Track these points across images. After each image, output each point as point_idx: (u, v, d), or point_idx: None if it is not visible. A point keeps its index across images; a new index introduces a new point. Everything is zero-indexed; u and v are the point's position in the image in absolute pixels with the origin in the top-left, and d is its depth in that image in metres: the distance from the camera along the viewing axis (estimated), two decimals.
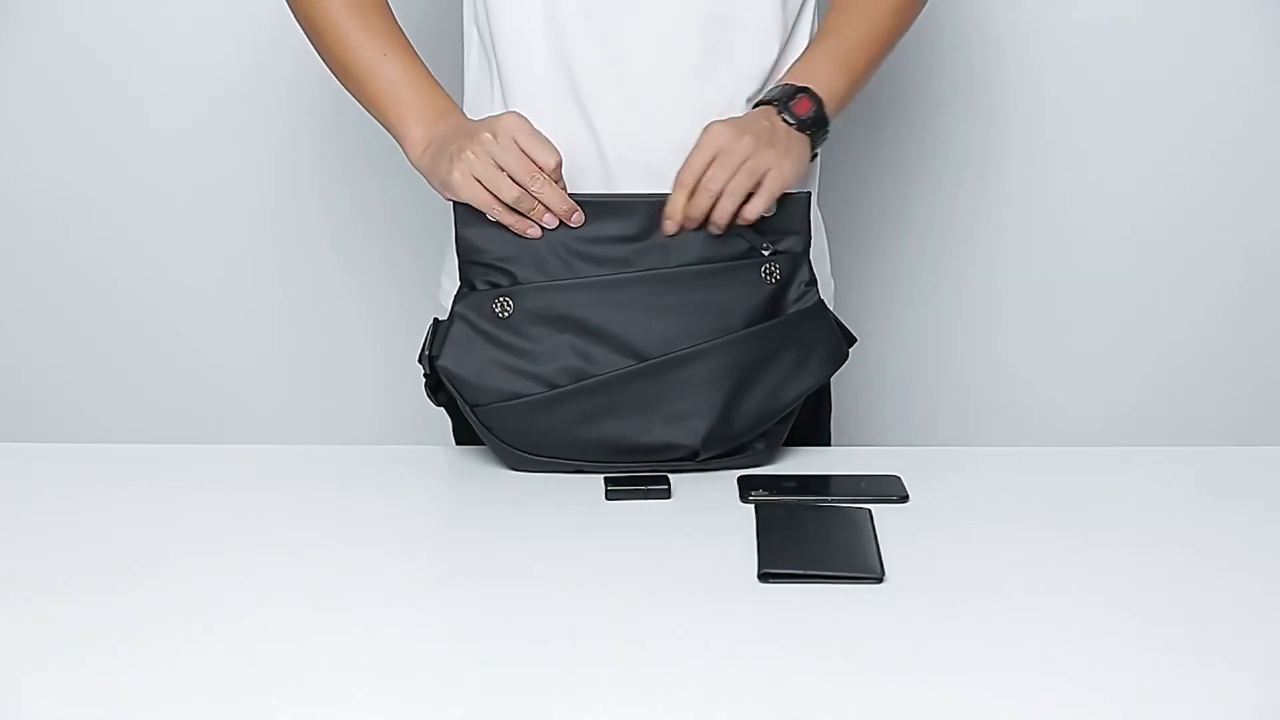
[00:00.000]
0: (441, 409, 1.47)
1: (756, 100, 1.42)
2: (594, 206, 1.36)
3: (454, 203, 1.39)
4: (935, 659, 1.01)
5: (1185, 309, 2.21)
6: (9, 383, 2.25)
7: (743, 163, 1.34)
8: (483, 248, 1.38)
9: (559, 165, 1.34)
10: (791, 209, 1.39)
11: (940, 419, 2.26)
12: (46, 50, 2.11)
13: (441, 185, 1.38)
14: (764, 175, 1.35)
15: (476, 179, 1.34)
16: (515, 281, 1.37)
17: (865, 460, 1.40)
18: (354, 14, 1.46)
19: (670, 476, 1.34)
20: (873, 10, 1.48)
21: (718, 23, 1.42)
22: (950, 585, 1.14)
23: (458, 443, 1.53)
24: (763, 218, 1.37)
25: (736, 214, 1.35)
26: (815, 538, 1.20)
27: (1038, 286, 2.21)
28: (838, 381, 1.51)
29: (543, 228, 1.36)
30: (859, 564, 1.15)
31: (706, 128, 1.36)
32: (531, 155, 1.33)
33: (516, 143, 1.33)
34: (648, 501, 1.31)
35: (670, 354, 1.36)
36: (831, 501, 1.29)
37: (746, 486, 1.32)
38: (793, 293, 1.39)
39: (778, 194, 1.36)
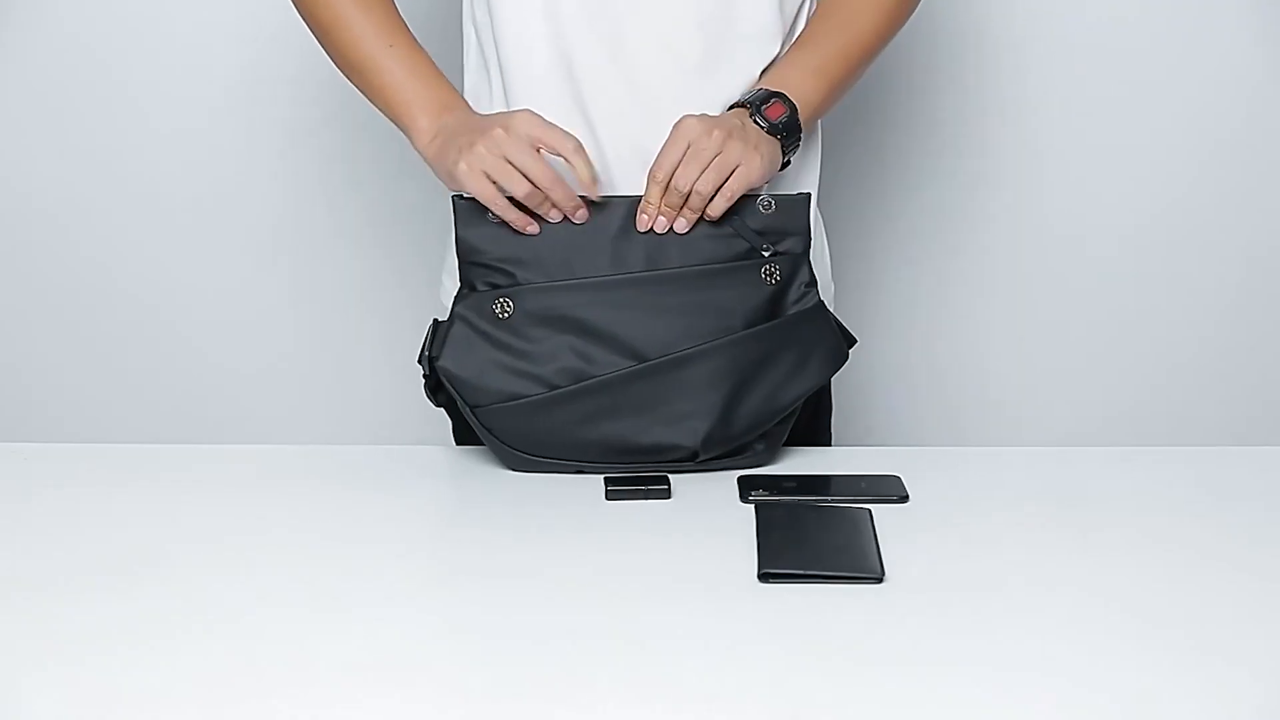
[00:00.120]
0: (441, 409, 1.47)
1: (731, 103, 1.42)
2: (593, 206, 1.37)
3: (454, 203, 1.39)
4: (935, 659, 1.01)
5: (1185, 309, 2.22)
6: (9, 383, 2.25)
7: (713, 158, 1.34)
8: (482, 248, 1.38)
9: (578, 146, 1.35)
10: (791, 210, 1.39)
11: (940, 419, 2.26)
12: (46, 50, 2.11)
13: (447, 177, 1.38)
14: (731, 172, 1.35)
15: (484, 173, 1.34)
16: (515, 282, 1.37)
17: (865, 460, 1.40)
18: (358, 6, 1.46)
19: (670, 476, 1.34)
20: (854, 20, 1.48)
21: (717, 24, 1.42)
22: (950, 585, 1.14)
23: (458, 443, 1.53)
24: (763, 218, 1.38)
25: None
26: (815, 538, 1.20)
27: (1037, 286, 2.21)
28: (837, 382, 1.51)
29: (544, 224, 1.36)
30: (859, 564, 1.15)
31: (678, 121, 1.37)
32: (550, 143, 1.34)
33: (532, 136, 1.34)
34: (648, 501, 1.31)
35: (670, 355, 1.36)
36: (831, 501, 1.29)
37: (746, 486, 1.32)
38: (793, 293, 1.39)
39: (740, 192, 1.36)
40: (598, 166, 1.41)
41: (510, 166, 1.33)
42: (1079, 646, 1.03)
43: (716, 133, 1.35)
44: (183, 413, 2.24)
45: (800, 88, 1.42)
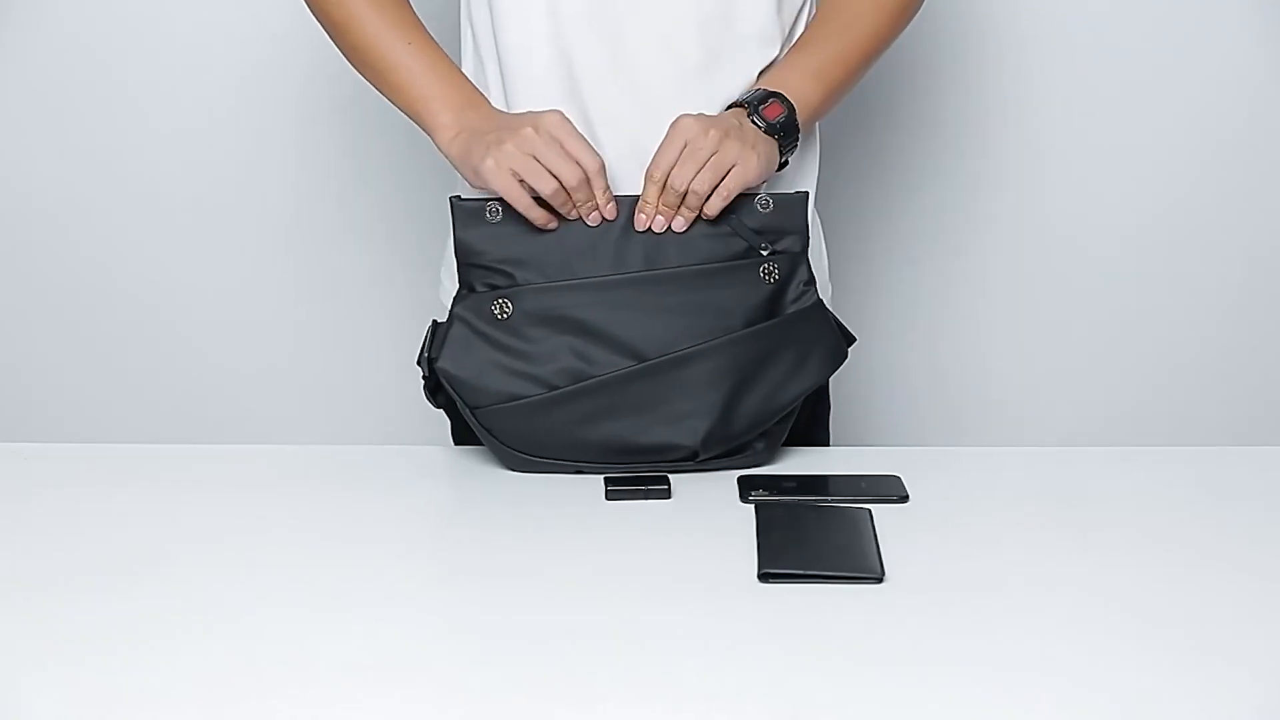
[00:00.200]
0: (441, 410, 1.47)
1: (729, 103, 1.42)
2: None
3: (451, 205, 1.39)
4: (935, 659, 1.01)
5: (1185, 309, 2.21)
6: (9, 383, 2.25)
7: (710, 157, 1.34)
8: (480, 250, 1.38)
9: (603, 167, 1.35)
10: (789, 209, 1.39)
11: (939, 419, 2.26)
12: (46, 50, 2.11)
13: (472, 173, 1.38)
14: (728, 171, 1.35)
15: (512, 170, 1.34)
16: (514, 283, 1.37)
17: (865, 460, 1.40)
18: (373, 4, 1.45)
19: (670, 476, 1.34)
20: (854, 24, 1.48)
21: (716, 25, 1.42)
22: (950, 585, 1.14)
23: (456, 444, 1.53)
24: (761, 217, 1.38)
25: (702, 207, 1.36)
26: (815, 538, 1.20)
27: (1037, 286, 2.21)
28: (837, 383, 1.51)
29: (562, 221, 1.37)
30: (859, 564, 1.15)
31: (675, 120, 1.37)
32: (576, 156, 1.34)
33: (559, 141, 1.34)
34: (648, 501, 1.31)
35: (669, 354, 1.36)
36: (831, 501, 1.29)
37: (746, 486, 1.32)
38: (791, 292, 1.39)
39: (737, 191, 1.36)
40: None
41: (539, 165, 1.33)
42: (1079, 646, 1.03)
43: (713, 132, 1.35)
44: (183, 413, 2.24)
45: (799, 89, 1.42)
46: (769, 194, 1.39)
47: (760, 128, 1.39)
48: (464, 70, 1.51)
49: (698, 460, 1.36)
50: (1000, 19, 2.12)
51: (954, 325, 2.24)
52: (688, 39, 1.42)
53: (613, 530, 1.25)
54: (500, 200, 1.37)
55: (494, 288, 1.37)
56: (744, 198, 1.38)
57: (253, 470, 1.43)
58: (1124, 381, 2.24)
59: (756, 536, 1.20)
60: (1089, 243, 2.19)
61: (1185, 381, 2.24)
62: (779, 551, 1.17)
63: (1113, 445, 1.62)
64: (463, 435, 1.48)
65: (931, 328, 2.24)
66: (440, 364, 1.37)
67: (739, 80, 1.43)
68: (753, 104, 1.40)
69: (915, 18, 1.55)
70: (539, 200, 1.36)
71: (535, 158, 1.34)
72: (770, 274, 1.38)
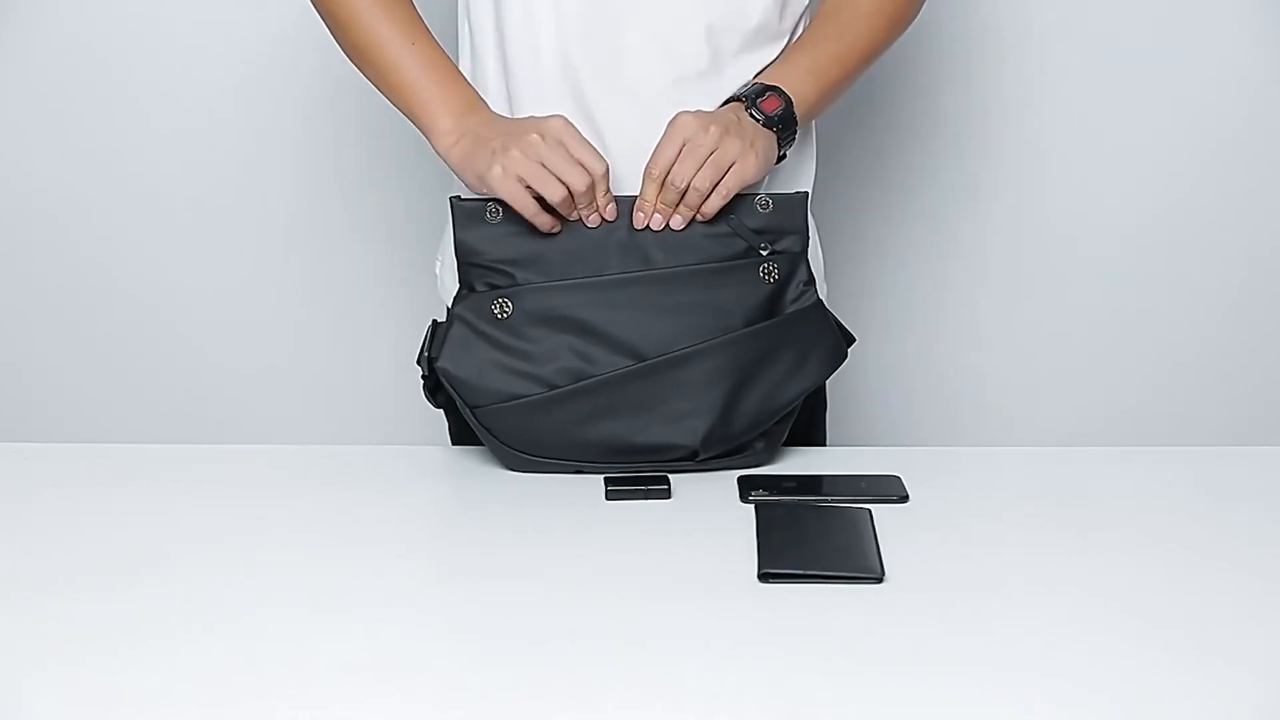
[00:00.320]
0: (440, 410, 1.47)
1: (726, 98, 1.42)
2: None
3: (451, 205, 1.39)
4: (935, 659, 1.01)
5: (1185, 309, 2.21)
6: (9, 383, 2.25)
7: (709, 154, 1.34)
8: (480, 250, 1.38)
9: (607, 171, 1.35)
10: (789, 209, 1.39)
11: (938, 419, 2.26)
12: (46, 50, 2.11)
13: (477, 180, 1.37)
14: (728, 169, 1.35)
15: (519, 177, 1.34)
16: (514, 283, 1.37)
17: (865, 460, 1.40)
18: (377, 2, 1.44)
19: (670, 476, 1.34)
20: (853, 25, 1.47)
21: (720, 29, 1.42)
22: (950, 585, 1.14)
23: (454, 445, 1.53)
24: (760, 217, 1.38)
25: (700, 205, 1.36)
26: (815, 538, 1.20)
27: (1037, 286, 2.21)
28: (835, 384, 1.51)
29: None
30: (859, 564, 1.15)
31: (674, 118, 1.37)
32: (582, 161, 1.34)
33: (565, 147, 1.34)
34: (648, 501, 1.31)
35: (669, 354, 1.36)
36: (831, 501, 1.29)
37: (746, 486, 1.32)
38: (791, 292, 1.39)
39: (737, 189, 1.36)
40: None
41: (546, 171, 1.33)
42: (1079, 646, 1.03)
43: (713, 129, 1.35)
44: (183, 413, 2.24)
45: (795, 85, 1.41)
46: (769, 194, 1.39)
47: (758, 121, 1.39)
48: (460, 69, 1.51)
49: (697, 460, 1.36)
50: (1000, 19, 2.12)
51: (953, 326, 2.24)
52: (689, 42, 1.42)
53: (613, 530, 1.25)
54: (500, 201, 1.37)
55: (494, 287, 1.37)
56: (743, 197, 1.38)
57: (253, 470, 1.43)
58: (1124, 381, 2.24)
59: (756, 536, 1.20)
60: (1089, 243, 2.19)
61: (1185, 381, 2.24)
62: (779, 551, 1.17)
63: (1113, 445, 1.62)
64: (461, 436, 1.48)
65: (930, 328, 2.24)
66: (440, 363, 1.37)
67: (739, 83, 1.43)
68: (750, 97, 1.40)
69: (914, 19, 1.55)
70: (542, 203, 1.35)
71: (543, 164, 1.33)
72: (770, 274, 1.38)
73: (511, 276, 1.37)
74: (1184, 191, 2.17)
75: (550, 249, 1.37)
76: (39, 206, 2.18)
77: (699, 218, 1.37)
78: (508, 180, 1.34)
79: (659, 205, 1.36)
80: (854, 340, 1.44)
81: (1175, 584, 1.14)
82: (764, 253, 1.38)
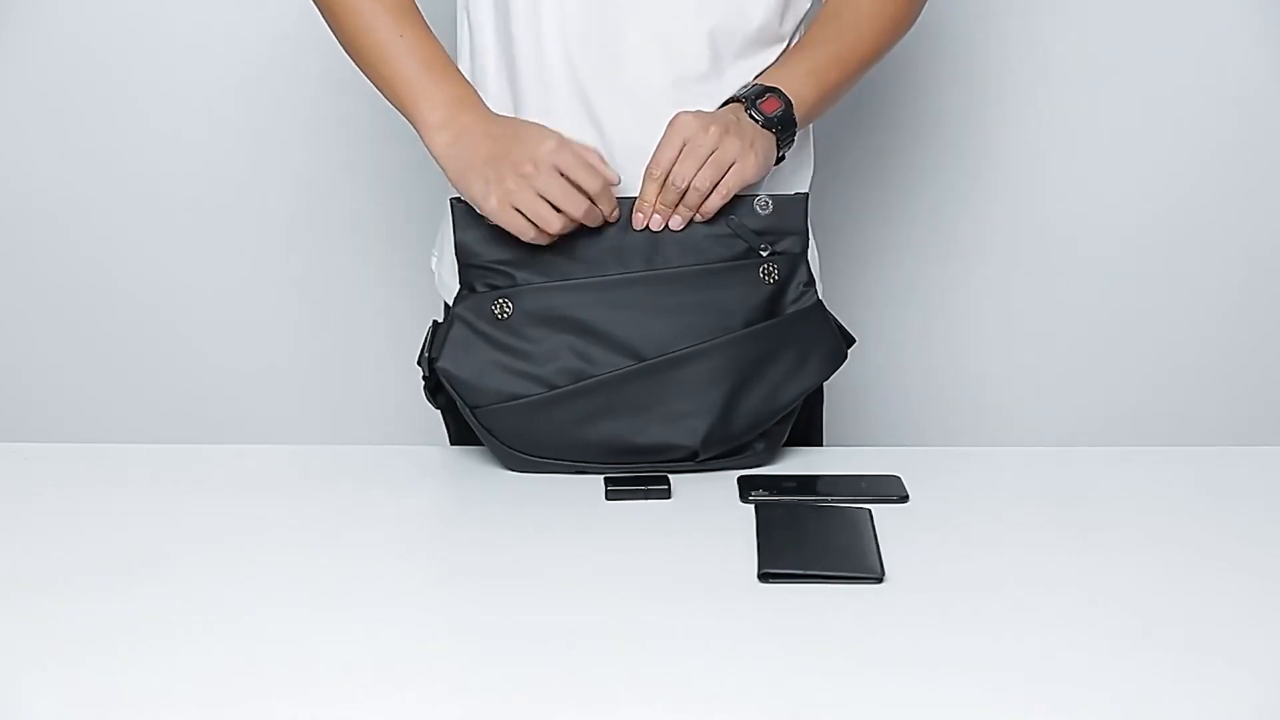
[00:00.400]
0: (439, 411, 1.47)
1: (726, 99, 1.42)
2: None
3: (451, 206, 1.39)
4: (935, 659, 1.01)
5: (1185, 309, 2.21)
6: (9, 383, 2.25)
7: (710, 154, 1.34)
8: (480, 250, 1.38)
9: (606, 185, 1.34)
10: (789, 209, 1.39)
11: (937, 420, 2.26)
12: (46, 50, 2.11)
13: (475, 206, 1.36)
14: (728, 169, 1.35)
15: (516, 209, 1.33)
16: (514, 283, 1.37)
17: (865, 460, 1.40)
18: None
19: (670, 476, 1.34)
20: (853, 28, 1.47)
21: (721, 32, 1.42)
22: (950, 585, 1.14)
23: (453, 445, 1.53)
24: (761, 218, 1.38)
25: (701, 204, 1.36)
26: (815, 538, 1.20)
27: (1036, 286, 2.21)
28: (831, 383, 1.51)
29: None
30: (859, 564, 1.15)
31: (674, 118, 1.37)
32: (579, 179, 1.33)
33: (561, 173, 1.32)
34: (648, 501, 1.31)
35: (669, 354, 1.36)
36: (831, 501, 1.29)
37: (746, 486, 1.32)
38: (791, 293, 1.39)
39: (736, 189, 1.36)
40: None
41: (544, 203, 1.32)
42: (1079, 646, 1.03)
43: (713, 128, 1.35)
44: (183, 413, 2.24)
45: (796, 87, 1.41)
46: (769, 194, 1.39)
47: (758, 122, 1.39)
48: (460, 66, 1.50)
49: (697, 460, 1.36)
50: (999, 20, 2.12)
51: (952, 326, 2.24)
52: (690, 44, 1.41)
53: (613, 530, 1.25)
54: None
55: (494, 288, 1.37)
56: (744, 198, 1.38)
57: (253, 470, 1.43)
58: (1124, 381, 2.24)
59: (756, 536, 1.20)
60: (1089, 243, 2.19)
61: (1185, 381, 2.24)
62: (779, 551, 1.17)
63: (1113, 445, 1.62)
64: (460, 437, 1.48)
65: (929, 329, 2.24)
66: (440, 364, 1.37)
67: (739, 85, 1.43)
68: (750, 98, 1.40)
69: (915, 23, 1.54)
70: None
71: (540, 194, 1.32)
72: (770, 274, 1.38)
73: (511, 277, 1.37)
74: (1184, 191, 2.17)
75: (550, 249, 1.37)
76: (39, 206, 2.18)
77: (698, 218, 1.37)
78: (504, 211, 1.33)
79: (658, 206, 1.36)
80: (854, 341, 1.44)
81: (1175, 584, 1.14)
82: (764, 254, 1.38)
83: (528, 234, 1.34)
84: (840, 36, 1.47)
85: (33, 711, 0.95)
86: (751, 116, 1.38)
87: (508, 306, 1.37)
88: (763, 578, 1.13)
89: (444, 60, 1.43)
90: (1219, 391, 2.23)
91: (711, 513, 1.28)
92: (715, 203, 1.36)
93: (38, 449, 1.50)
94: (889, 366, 2.21)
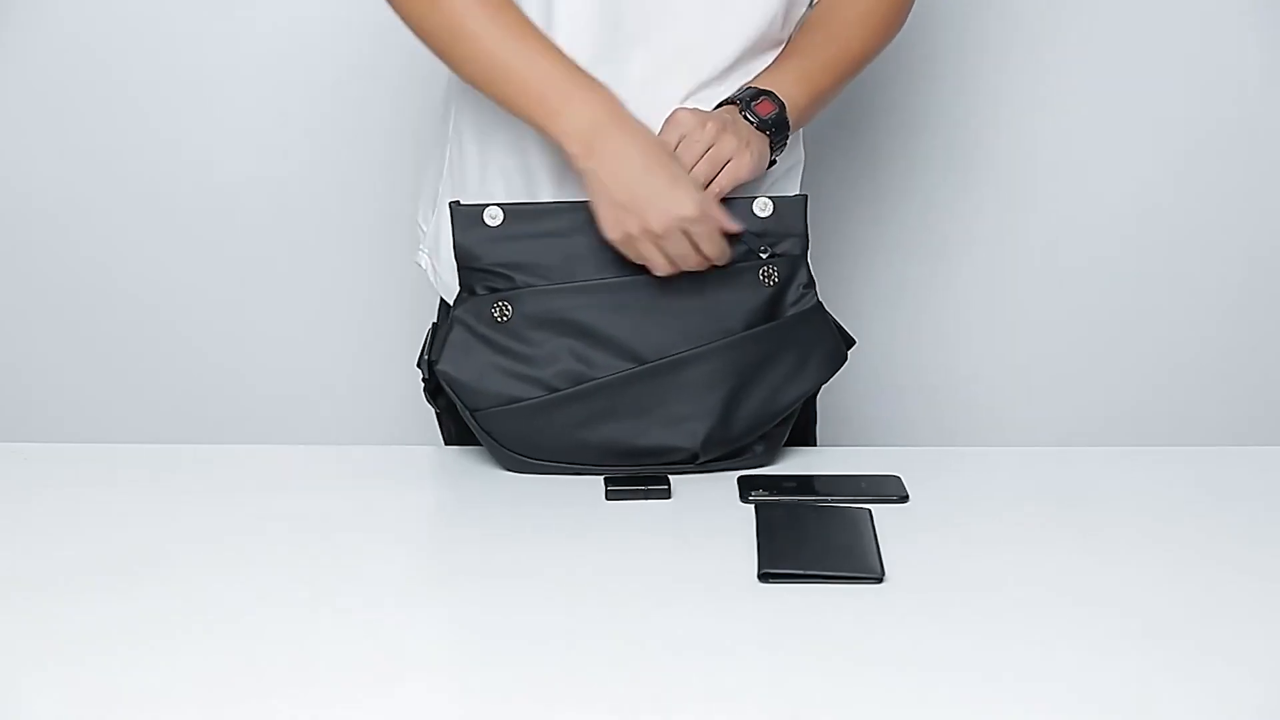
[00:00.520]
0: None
1: (720, 101, 1.42)
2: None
3: (451, 210, 1.38)
4: (935, 659, 1.01)
5: (1185, 309, 2.21)
6: (9, 383, 2.25)
7: (706, 149, 1.34)
8: (480, 253, 1.37)
9: (725, 254, 1.35)
10: (789, 211, 1.39)
11: (935, 421, 2.26)
12: (46, 50, 2.11)
13: (600, 229, 1.35)
14: (723, 165, 1.35)
15: (668, 256, 1.33)
16: (514, 286, 1.37)
17: (865, 460, 1.41)
18: (485, 7, 1.36)
19: (670, 477, 1.34)
20: (843, 32, 1.47)
21: (725, 36, 1.41)
22: (950, 585, 1.14)
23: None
24: (761, 221, 1.38)
25: None
26: (815, 538, 1.20)
27: (1036, 287, 2.21)
28: (833, 386, 1.51)
29: (543, 227, 1.36)
30: (859, 564, 1.15)
31: (672, 114, 1.37)
32: (705, 254, 1.33)
33: (717, 222, 1.33)
34: (648, 502, 1.31)
35: (669, 357, 1.36)
36: (831, 501, 1.29)
37: (746, 487, 1.32)
38: (791, 295, 1.39)
39: (731, 187, 1.36)
40: None
41: (697, 255, 1.33)
42: (1078, 646, 1.03)
43: (710, 125, 1.35)
44: (183, 413, 2.24)
45: (788, 91, 1.41)
46: (769, 196, 1.39)
47: (753, 123, 1.39)
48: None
49: (697, 463, 1.36)
50: (997, 19, 2.11)
51: (949, 327, 2.23)
52: (695, 51, 1.41)
53: (613, 530, 1.25)
54: (500, 204, 1.36)
55: (494, 290, 1.37)
56: (743, 200, 1.38)
57: (253, 470, 1.43)
58: (1124, 381, 2.24)
59: (756, 536, 1.20)
60: (1088, 243, 2.19)
61: (1185, 381, 2.24)
62: (779, 552, 1.17)
63: (1113, 445, 1.62)
64: (458, 439, 1.48)
65: (925, 329, 2.24)
66: (440, 366, 1.37)
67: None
68: (745, 101, 1.39)
69: (903, 26, 1.54)
70: None
71: (697, 249, 1.33)
72: (770, 277, 1.38)
73: (511, 280, 1.37)
74: (1184, 191, 2.17)
75: (550, 252, 1.37)
76: (39, 206, 2.18)
77: None
78: (624, 245, 1.33)
79: None
80: (853, 343, 1.44)
81: (1175, 584, 1.14)
82: (764, 256, 1.38)
83: (663, 270, 1.34)
84: (830, 40, 1.47)
85: (33, 711, 0.95)
86: (746, 118, 1.39)
87: (507, 309, 1.36)
88: (763, 578, 1.13)
89: (567, 65, 1.36)
90: (1219, 391, 2.23)
91: (711, 513, 1.28)
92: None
93: (38, 449, 1.50)
94: (882, 367, 2.21)
